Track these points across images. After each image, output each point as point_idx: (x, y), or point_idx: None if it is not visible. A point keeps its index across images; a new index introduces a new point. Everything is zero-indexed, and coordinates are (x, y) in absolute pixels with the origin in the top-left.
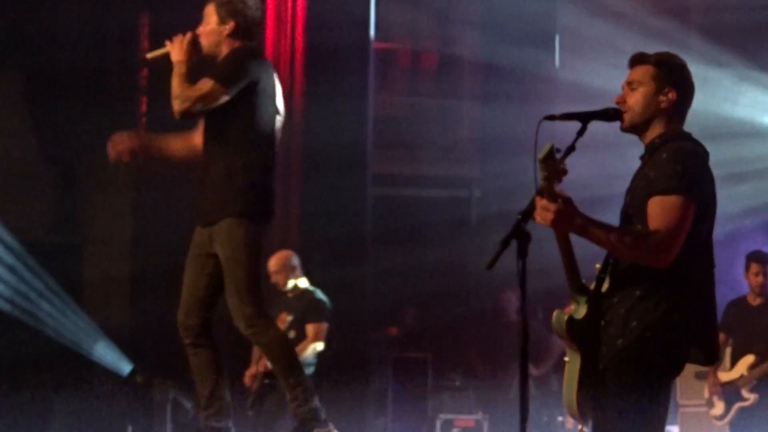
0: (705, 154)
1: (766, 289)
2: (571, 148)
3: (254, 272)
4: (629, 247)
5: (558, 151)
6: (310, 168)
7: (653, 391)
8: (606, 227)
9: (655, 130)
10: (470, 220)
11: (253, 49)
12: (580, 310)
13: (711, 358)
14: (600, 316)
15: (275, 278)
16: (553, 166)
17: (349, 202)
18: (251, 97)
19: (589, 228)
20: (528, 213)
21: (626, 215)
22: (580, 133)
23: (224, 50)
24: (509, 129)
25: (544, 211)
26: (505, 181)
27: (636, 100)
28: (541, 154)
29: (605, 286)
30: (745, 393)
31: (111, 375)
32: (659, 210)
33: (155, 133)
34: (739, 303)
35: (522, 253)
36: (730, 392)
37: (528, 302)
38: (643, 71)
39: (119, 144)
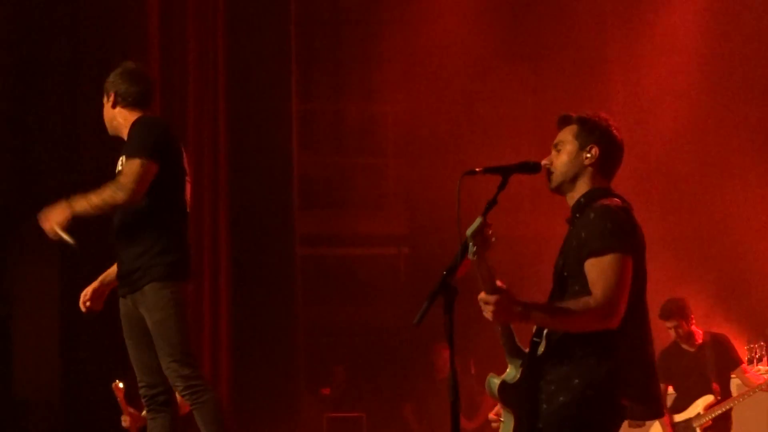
0: (630, 209)
1: (690, 335)
2: (493, 203)
3: (186, 332)
4: (576, 321)
5: (488, 225)
6: (237, 230)
7: None
8: (548, 309)
9: (581, 189)
10: (400, 277)
11: (152, 116)
12: (513, 374)
13: (656, 413)
14: (535, 379)
15: None
16: (482, 239)
17: (277, 262)
18: (161, 162)
19: (532, 314)
20: (454, 268)
21: (561, 278)
22: (502, 187)
23: (120, 122)
24: (435, 185)
25: (486, 306)
26: (433, 238)
27: (561, 160)
28: (470, 230)
29: (541, 349)
30: None
31: None
32: (597, 272)
33: (106, 271)
34: (673, 351)
35: (448, 308)
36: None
37: (459, 357)
38: (567, 131)
39: (87, 300)
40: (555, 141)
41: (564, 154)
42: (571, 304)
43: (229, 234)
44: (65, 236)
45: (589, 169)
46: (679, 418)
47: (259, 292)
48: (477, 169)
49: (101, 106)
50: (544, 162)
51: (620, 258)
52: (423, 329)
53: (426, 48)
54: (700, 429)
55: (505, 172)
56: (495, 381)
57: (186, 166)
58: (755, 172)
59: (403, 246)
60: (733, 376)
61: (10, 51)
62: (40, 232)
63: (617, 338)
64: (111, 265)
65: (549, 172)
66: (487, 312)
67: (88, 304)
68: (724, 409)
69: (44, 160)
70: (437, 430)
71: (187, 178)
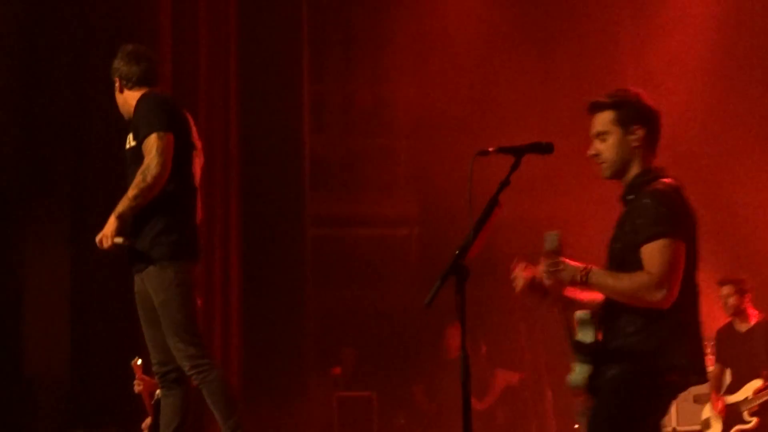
0: (682, 187)
1: (742, 312)
2: (506, 183)
3: (191, 312)
4: (630, 292)
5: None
6: (248, 211)
7: (639, 420)
8: (605, 273)
9: (633, 171)
10: (410, 258)
11: (157, 91)
12: (585, 369)
13: (701, 379)
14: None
15: None
16: (558, 257)
17: (288, 243)
18: (174, 129)
19: (590, 276)
20: (465, 248)
21: (620, 262)
22: (514, 167)
23: (131, 104)
24: (446, 166)
25: (550, 271)
26: (444, 219)
27: (609, 150)
28: (549, 245)
29: (597, 334)
30: (746, 416)
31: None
32: (650, 255)
33: None
34: (727, 331)
35: (460, 289)
36: (730, 414)
37: (470, 337)
38: (605, 119)
39: None
40: (595, 130)
41: (610, 143)
42: (628, 276)
43: (240, 215)
44: (119, 240)
45: (638, 150)
46: (729, 400)
47: (270, 272)
48: (490, 149)
49: (110, 90)
50: (590, 153)
51: (672, 243)
52: (433, 310)
53: (437, 30)
54: (748, 413)
55: (518, 153)
56: (580, 377)
57: (195, 140)
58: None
59: (414, 227)
60: None
61: (19, 36)
62: (51, 210)
63: (666, 315)
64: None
65: (599, 162)
66: (555, 278)
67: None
68: None
69: (54, 142)
70: (447, 411)
71: (196, 152)
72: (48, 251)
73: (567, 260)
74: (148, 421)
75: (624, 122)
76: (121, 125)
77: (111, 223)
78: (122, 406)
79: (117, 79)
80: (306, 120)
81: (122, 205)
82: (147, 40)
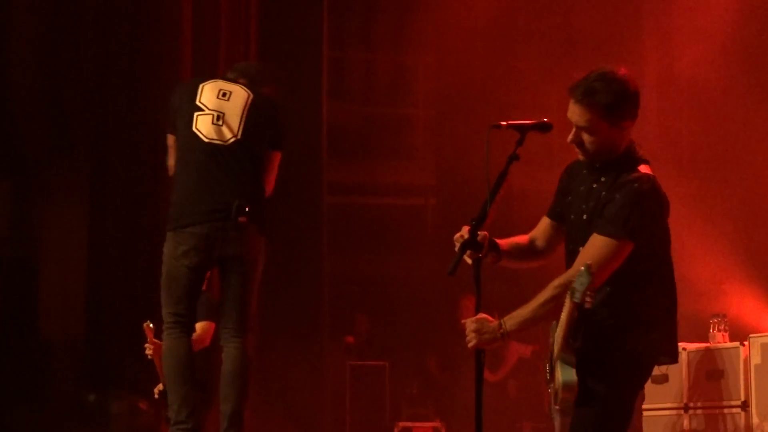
0: (658, 187)
1: None
2: (514, 157)
3: (166, 281)
4: (551, 304)
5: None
6: None
7: (621, 398)
8: (519, 313)
9: (614, 153)
10: (426, 227)
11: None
12: (572, 370)
13: (674, 359)
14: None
15: None
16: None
17: (305, 210)
18: (174, 124)
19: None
20: (481, 219)
21: (588, 226)
22: (519, 143)
23: None
24: (464, 136)
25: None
26: (461, 189)
27: (594, 143)
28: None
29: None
30: None
31: (64, 393)
32: (593, 249)
33: None
34: None
35: (476, 261)
36: None
37: (484, 309)
38: (591, 114)
39: None
40: (578, 122)
41: (596, 135)
42: (542, 292)
43: None
44: None
45: (623, 136)
46: None
47: (286, 239)
48: (502, 124)
49: (131, 55)
50: (570, 140)
51: (618, 245)
52: (448, 280)
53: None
54: None
55: (522, 130)
56: (574, 376)
57: (201, 102)
58: None
59: (430, 196)
60: None
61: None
62: (70, 172)
63: (654, 308)
64: (138, 209)
65: (582, 150)
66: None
67: None
68: None
69: (75, 105)
70: (460, 382)
71: (204, 112)
72: (65, 214)
73: (487, 318)
74: (160, 386)
75: (612, 117)
76: (142, 88)
77: None
78: (136, 370)
79: None
80: (324, 87)
81: None
82: (168, 4)
